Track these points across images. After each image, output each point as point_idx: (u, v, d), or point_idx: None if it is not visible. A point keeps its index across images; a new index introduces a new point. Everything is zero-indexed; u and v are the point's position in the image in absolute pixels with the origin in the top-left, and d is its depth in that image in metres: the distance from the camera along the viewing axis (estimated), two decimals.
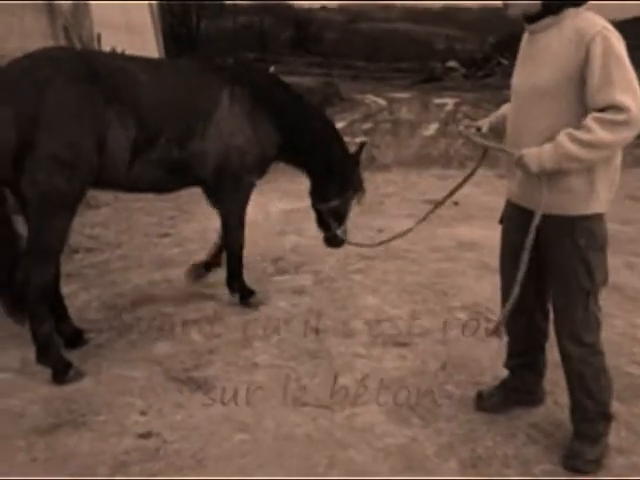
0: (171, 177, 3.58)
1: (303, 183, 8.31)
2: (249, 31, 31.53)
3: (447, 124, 14.54)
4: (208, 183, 3.85)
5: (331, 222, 4.33)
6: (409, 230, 3.57)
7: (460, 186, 3.11)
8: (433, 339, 3.69)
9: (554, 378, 2.95)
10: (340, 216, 4.35)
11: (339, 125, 14.43)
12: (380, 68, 30.40)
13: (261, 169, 4.04)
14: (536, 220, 2.37)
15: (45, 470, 2.58)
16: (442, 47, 32.86)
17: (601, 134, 2.15)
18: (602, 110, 2.17)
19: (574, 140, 2.20)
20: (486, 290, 4.31)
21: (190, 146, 3.52)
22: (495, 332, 2.59)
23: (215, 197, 4.04)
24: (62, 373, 3.23)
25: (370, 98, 21.11)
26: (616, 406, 2.89)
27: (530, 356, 2.86)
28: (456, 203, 6.96)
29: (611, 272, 4.50)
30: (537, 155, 2.29)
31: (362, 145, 4.44)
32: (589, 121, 2.18)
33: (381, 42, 31.49)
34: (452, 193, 3.15)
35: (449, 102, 19.82)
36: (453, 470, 2.53)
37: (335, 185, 4.26)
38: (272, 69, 24.71)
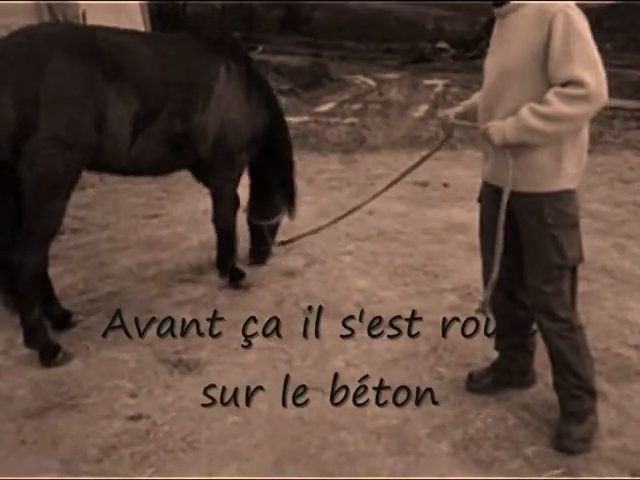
0: (172, 154, 3.53)
1: None
2: (237, 10, 31.04)
3: (437, 106, 14.48)
4: (205, 160, 3.79)
5: (268, 238, 4.50)
6: (353, 210, 4.08)
7: (416, 166, 3.30)
8: (424, 321, 3.68)
9: (544, 360, 2.95)
10: (274, 231, 4.58)
11: (329, 106, 14.35)
12: (370, 48, 30.10)
13: (251, 148, 4.02)
14: (505, 196, 2.42)
15: (35, 453, 2.55)
16: (432, 28, 32.60)
17: (560, 107, 2.20)
18: (563, 85, 2.21)
19: (534, 113, 2.25)
20: (476, 272, 4.24)
21: (192, 119, 3.50)
22: (481, 310, 2.65)
23: (208, 175, 4.01)
24: (50, 356, 3.19)
25: (360, 79, 20.96)
26: (606, 387, 2.93)
27: (518, 335, 2.87)
28: (446, 185, 6.96)
29: (601, 254, 4.60)
30: (500, 127, 2.36)
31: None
32: (549, 95, 2.23)
33: (371, 22, 31.17)
34: (406, 173, 3.40)
35: (439, 83, 19.72)
36: (445, 452, 2.54)
37: (278, 200, 4.42)
38: (260, 49, 24.44)
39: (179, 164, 3.76)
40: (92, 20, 10.47)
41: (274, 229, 4.57)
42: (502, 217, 2.45)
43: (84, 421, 2.76)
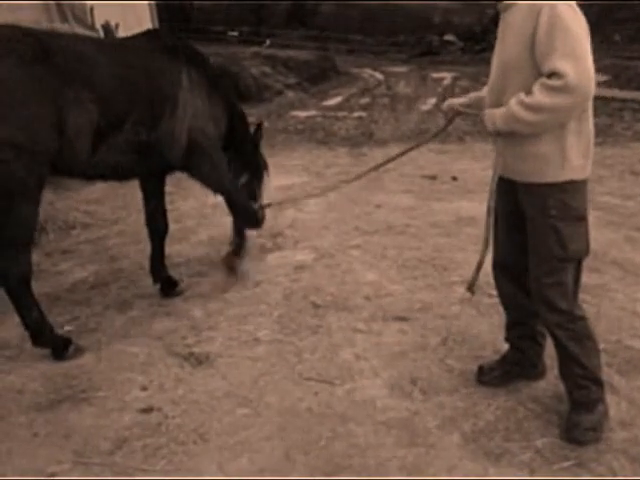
0: (138, 161, 3.47)
1: (300, 159, 8.27)
2: (245, 3, 30.95)
3: (445, 99, 14.39)
4: (178, 165, 3.79)
5: (249, 200, 4.37)
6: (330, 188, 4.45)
7: (417, 146, 3.47)
8: (433, 314, 3.68)
9: (554, 352, 2.95)
10: (255, 192, 4.45)
11: (337, 100, 14.33)
12: (377, 42, 29.92)
13: (220, 144, 4.03)
14: (492, 183, 2.49)
15: (47, 445, 2.58)
16: (440, 20, 32.35)
17: (539, 98, 2.23)
18: (548, 77, 2.24)
19: (519, 102, 2.30)
20: (486, 265, 4.26)
21: (159, 128, 3.44)
22: (469, 289, 2.71)
23: (202, 184, 4.05)
24: (62, 350, 3.22)
25: (367, 72, 20.88)
26: (617, 379, 2.93)
27: (527, 326, 2.87)
28: (454, 178, 6.93)
29: (612, 247, 4.58)
30: (492, 115, 2.42)
31: (259, 125, 4.51)
32: (534, 85, 2.27)
33: (378, 15, 30.98)
34: (406, 152, 3.47)
35: (447, 76, 19.62)
36: (455, 443, 2.54)
37: (237, 165, 4.29)
38: (268, 42, 24.37)
39: (146, 170, 3.72)
40: (100, 16, 10.50)
41: (253, 190, 4.42)
42: (491, 203, 2.51)
43: (96, 414, 2.78)
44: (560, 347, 2.58)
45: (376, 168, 3.75)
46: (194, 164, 3.82)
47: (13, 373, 3.11)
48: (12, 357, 3.27)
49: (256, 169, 4.46)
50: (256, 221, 4.40)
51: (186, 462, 2.47)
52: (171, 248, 4.78)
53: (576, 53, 2.19)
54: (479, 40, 29.22)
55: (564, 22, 2.21)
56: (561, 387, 2.73)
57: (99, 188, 6.63)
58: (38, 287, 3.73)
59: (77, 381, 3.03)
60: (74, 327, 3.57)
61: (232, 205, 4.13)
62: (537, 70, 2.30)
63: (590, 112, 2.41)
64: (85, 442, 2.60)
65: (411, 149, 3.37)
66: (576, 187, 2.42)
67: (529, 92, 2.29)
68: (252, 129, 4.44)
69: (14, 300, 3.12)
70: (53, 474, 2.43)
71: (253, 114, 10.48)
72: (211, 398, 2.88)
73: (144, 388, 2.97)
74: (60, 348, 3.22)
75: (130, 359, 3.22)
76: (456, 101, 2.95)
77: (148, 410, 2.80)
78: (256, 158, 4.47)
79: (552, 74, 2.21)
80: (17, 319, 3.22)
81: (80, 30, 8.76)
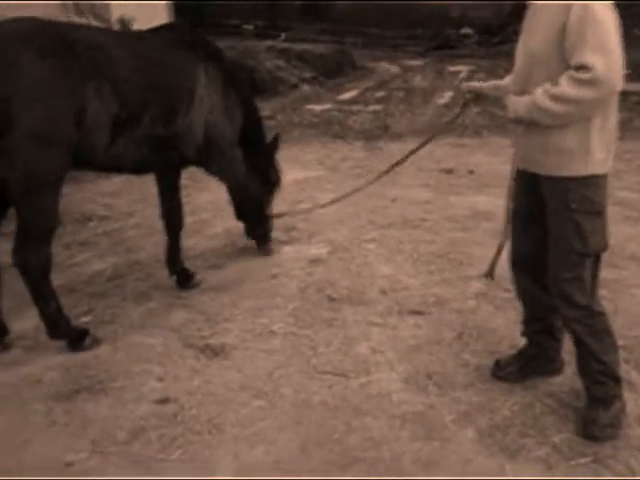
0: (155, 155, 3.49)
1: (316, 152, 8.24)
2: None
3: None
4: (193, 160, 3.83)
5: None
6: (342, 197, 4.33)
7: (436, 134, 3.57)
8: (449, 308, 3.67)
9: (572, 348, 2.92)
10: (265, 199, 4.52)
11: (352, 93, 14.27)
12: (393, 35, 29.73)
13: (236, 140, 4.06)
14: (512, 172, 2.58)
15: (65, 434, 2.61)
16: (456, 14, 32.10)
17: (566, 89, 2.24)
18: (577, 69, 2.24)
19: (545, 92, 2.31)
20: (502, 259, 4.24)
21: (176, 123, 3.46)
22: (488, 274, 2.89)
23: (217, 178, 4.14)
24: (78, 341, 3.25)
25: (383, 66, 20.75)
26: (635, 376, 2.90)
27: (545, 321, 2.85)
28: (471, 172, 6.88)
29: (630, 241, 4.53)
30: (515, 101, 2.46)
31: (276, 136, 4.53)
32: (561, 77, 2.27)
33: (394, 8, 30.80)
34: (424, 144, 3.70)
35: (463, 70, 19.46)
36: (471, 438, 2.53)
37: (247, 164, 4.28)
38: (283, 36, 24.31)
39: (162, 164, 3.74)
40: (116, 10, 10.56)
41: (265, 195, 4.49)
42: (511, 186, 2.63)
43: (112, 404, 2.81)
44: (578, 343, 2.56)
45: (395, 166, 3.77)
46: (209, 159, 3.88)
47: (31, 364, 3.14)
48: (30, 348, 3.30)
49: (267, 179, 4.44)
50: (264, 225, 4.49)
51: (202, 452, 2.49)
52: (187, 241, 4.79)
53: (606, 47, 2.19)
54: (496, 33, 28.96)
55: (597, 16, 2.21)
56: (578, 383, 2.71)
57: (116, 181, 6.68)
58: (55, 279, 3.75)
59: (94, 372, 3.06)
60: (91, 319, 3.60)
61: (244, 202, 4.13)
62: (564, 62, 2.29)
63: (615, 107, 2.40)
64: (102, 432, 2.63)
65: (429, 140, 3.38)
66: (597, 181, 2.41)
67: (555, 83, 2.28)
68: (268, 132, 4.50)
69: (33, 292, 3.14)
70: (70, 463, 2.45)
71: (268, 108, 10.48)
72: (226, 390, 2.90)
73: (160, 379, 2.99)
74: (76, 340, 3.25)
75: (147, 350, 3.25)
76: (476, 84, 3.01)
77: (164, 401, 2.82)
78: (269, 168, 4.46)
79: (580, 67, 2.20)
80: (34, 311, 3.25)
81: (96, 24, 8.81)
